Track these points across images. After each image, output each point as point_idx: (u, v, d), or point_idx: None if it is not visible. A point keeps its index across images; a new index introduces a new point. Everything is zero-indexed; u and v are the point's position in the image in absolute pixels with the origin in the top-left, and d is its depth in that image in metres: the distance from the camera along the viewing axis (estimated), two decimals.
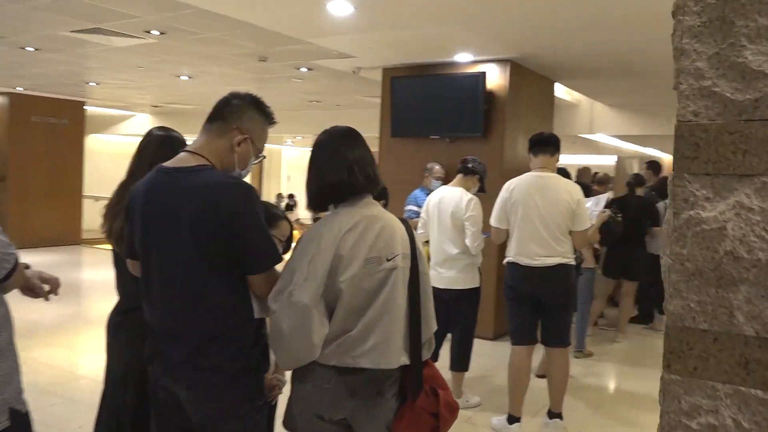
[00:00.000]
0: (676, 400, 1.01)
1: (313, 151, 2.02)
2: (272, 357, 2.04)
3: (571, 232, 3.69)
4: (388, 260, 1.92)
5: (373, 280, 1.90)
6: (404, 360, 1.97)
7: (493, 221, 3.88)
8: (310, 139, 16.03)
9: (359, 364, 1.87)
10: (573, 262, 3.76)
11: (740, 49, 0.95)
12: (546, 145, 3.79)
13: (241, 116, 1.98)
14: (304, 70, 7.30)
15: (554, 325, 3.78)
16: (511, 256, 3.80)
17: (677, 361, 1.01)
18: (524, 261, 3.73)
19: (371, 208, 1.98)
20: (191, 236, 1.83)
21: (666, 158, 14.23)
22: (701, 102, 0.99)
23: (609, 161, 15.53)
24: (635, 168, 14.81)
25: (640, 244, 6.15)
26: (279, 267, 1.95)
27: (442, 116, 6.07)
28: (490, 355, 5.39)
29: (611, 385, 4.98)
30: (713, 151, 0.98)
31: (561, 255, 3.68)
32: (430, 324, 2.07)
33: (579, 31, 5.07)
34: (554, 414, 3.87)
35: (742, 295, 0.96)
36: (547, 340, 3.82)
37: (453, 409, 2.06)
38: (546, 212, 3.66)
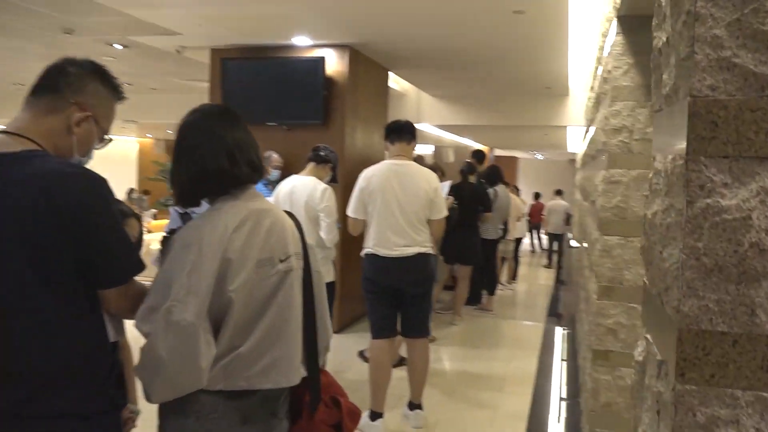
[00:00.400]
0: (690, 412, 0.90)
1: (181, 135, 1.65)
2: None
3: (428, 221, 3.64)
4: (282, 261, 1.65)
5: (266, 286, 1.61)
6: (302, 372, 1.71)
7: (350, 211, 3.70)
8: (117, 125, 14.57)
9: (256, 386, 1.58)
10: (431, 251, 3.72)
11: (765, 16, 0.84)
12: (403, 132, 3.69)
13: (82, 88, 1.55)
14: (117, 47, 6.47)
15: (414, 316, 3.72)
16: (369, 247, 3.65)
17: (692, 369, 0.89)
18: (383, 252, 3.60)
19: (258, 201, 1.68)
20: (21, 243, 1.39)
21: (480, 148, 15.14)
22: (719, 75, 0.87)
23: (427, 150, 16.22)
24: (451, 157, 15.63)
25: (474, 229, 6.40)
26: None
27: (279, 102, 5.75)
28: (337, 350, 5.22)
29: (459, 369, 5.10)
30: (733, 131, 0.86)
31: (420, 244, 3.61)
32: (328, 328, 1.83)
33: (413, 21, 5.06)
34: (415, 405, 3.82)
35: (764, 291, 0.87)
36: (407, 331, 3.75)
37: (355, 416, 1.85)
38: (405, 201, 3.57)
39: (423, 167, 3.76)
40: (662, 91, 1.06)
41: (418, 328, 3.73)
